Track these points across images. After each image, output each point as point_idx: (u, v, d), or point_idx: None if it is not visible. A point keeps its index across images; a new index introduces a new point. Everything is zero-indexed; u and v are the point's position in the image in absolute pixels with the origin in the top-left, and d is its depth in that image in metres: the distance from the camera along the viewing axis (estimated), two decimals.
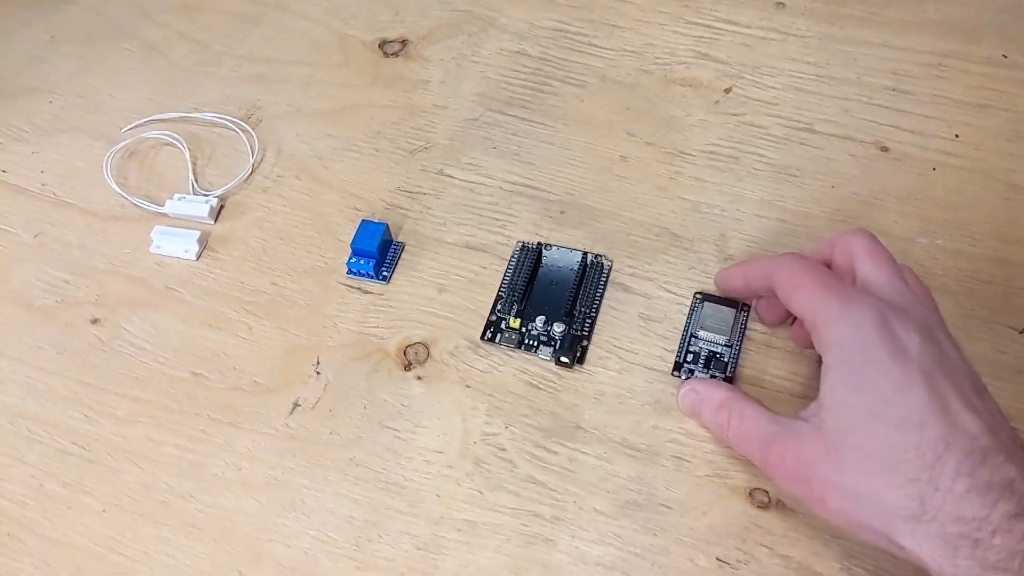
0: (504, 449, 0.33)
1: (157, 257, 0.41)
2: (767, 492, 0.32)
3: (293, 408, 0.36)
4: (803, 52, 0.45)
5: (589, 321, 0.36)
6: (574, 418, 0.34)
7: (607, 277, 0.38)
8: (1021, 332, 0.35)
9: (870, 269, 0.30)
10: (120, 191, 0.43)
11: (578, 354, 0.35)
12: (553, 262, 0.38)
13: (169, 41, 0.51)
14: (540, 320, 0.36)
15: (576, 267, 0.38)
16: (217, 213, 0.42)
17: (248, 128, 0.45)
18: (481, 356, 0.36)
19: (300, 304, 0.39)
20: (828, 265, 0.31)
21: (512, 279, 0.38)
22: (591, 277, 0.37)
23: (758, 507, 0.32)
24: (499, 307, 0.37)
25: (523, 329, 0.36)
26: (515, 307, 0.37)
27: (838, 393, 0.27)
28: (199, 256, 0.41)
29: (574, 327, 0.36)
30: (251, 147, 0.45)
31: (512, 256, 0.39)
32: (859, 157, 0.41)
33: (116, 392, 0.37)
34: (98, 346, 0.38)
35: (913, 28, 0.46)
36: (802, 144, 0.42)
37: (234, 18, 0.52)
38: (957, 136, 0.41)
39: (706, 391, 0.32)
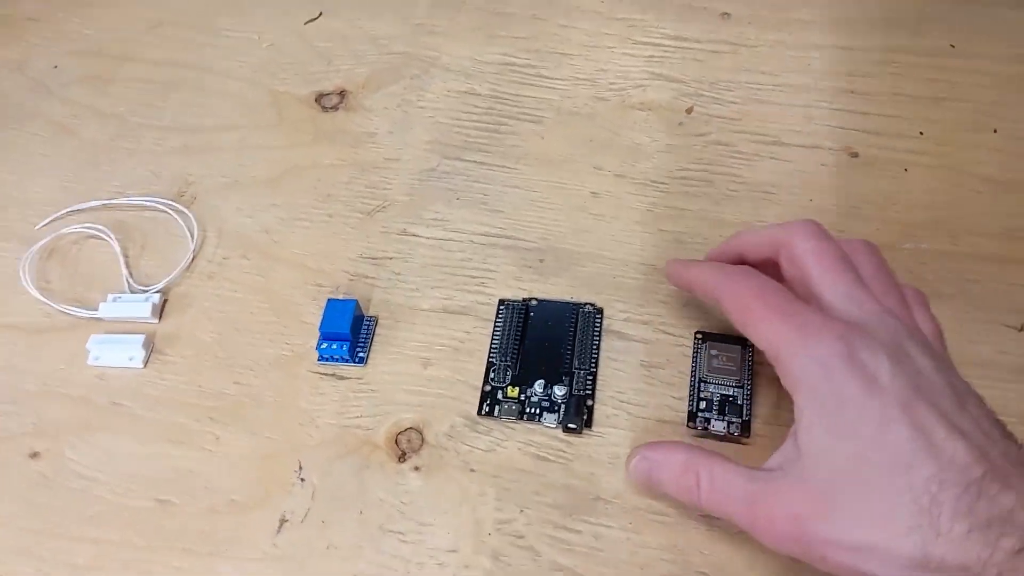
0: (522, 536, 0.31)
1: (97, 370, 0.37)
2: None
3: (280, 525, 0.32)
4: (756, 62, 0.44)
5: (591, 378, 0.34)
6: (592, 489, 0.31)
7: (601, 327, 0.35)
8: (1021, 330, 0.34)
9: (822, 278, 0.27)
10: (43, 298, 0.38)
11: (585, 417, 0.33)
12: (541, 318, 0.35)
13: (79, 118, 0.46)
14: (539, 385, 0.33)
15: (567, 321, 0.35)
16: (160, 310, 0.38)
17: (182, 208, 0.41)
18: (481, 433, 0.33)
19: (269, 402, 0.35)
20: (774, 265, 0.29)
21: (502, 343, 0.35)
22: (585, 330, 0.35)
23: (796, 559, 0.29)
24: (492, 376, 0.34)
25: (522, 397, 0.33)
26: (510, 373, 0.34)
27: (817, 439, 0.25)
28: (146, 362, 0.36)
29: (576, 387, 0.33)
30: (188, 229, 0.41)
31: (498, 317, 0.36)
32: (831, 166, 0.40)
33: (71, 536, 0.32)
34: (42, 483, 0.34)
35: (859, 26, 0.45)
36: (772, 159, 0.40)
37: (149, 85, 0.47)
38: (922, 133, 0.41)
39: (660, 456, 0.29)
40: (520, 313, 0.35)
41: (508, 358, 0.34)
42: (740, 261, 0.31)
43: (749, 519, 0.26)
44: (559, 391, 0.33)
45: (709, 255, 0.33)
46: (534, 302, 0.36)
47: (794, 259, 0.28)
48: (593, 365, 0.34)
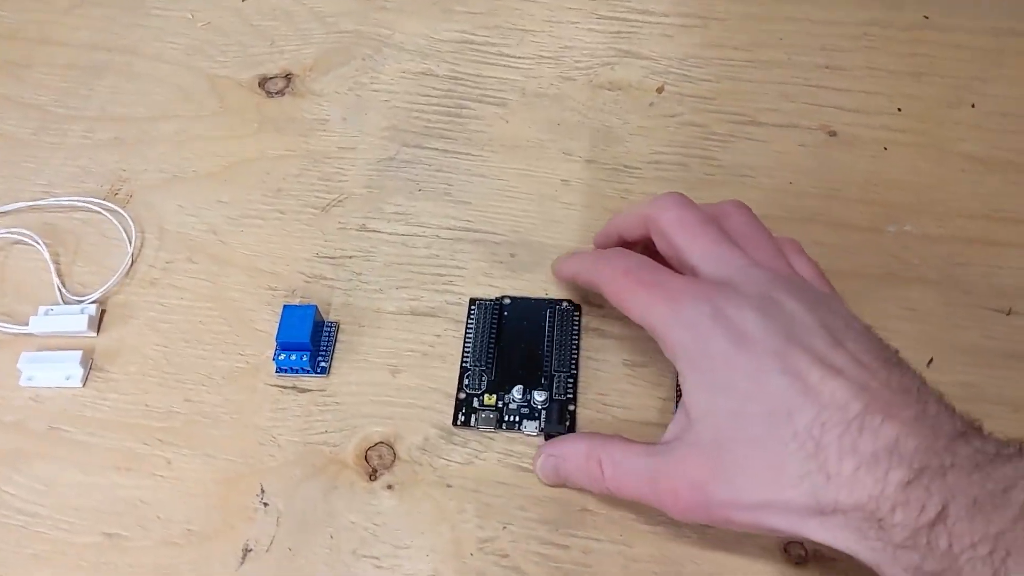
0: (507, 555, 0.29)
1: (31, 391, 0.33)
2: (802, 545, 0.28)
3: (244, 555, 0.29)
4: (727, 36, 0.42)
5: (571, 381, 0.32)
6: (578, 500, 0.30)
7: (580, 325, 0.33)
8: (1008, 314, 0.33)
9: (688, 244, 0.28)
10: None
11: (568, 423, 0.31)
12: (516, 317, 0.33)
13: None
14: (517, 391, 0.31)
15: (543, 319, 0.33)
16: (98, 322, 0.35)
17: (116, 208, 0.38)
18: (457, 445, 0.31)
19: (225, 420, 0.32)
20: (648, 241, 0.30)
21: (475, 346, 0.33)
22: (563, 329, 0.33)
23: (796, 564, 0.28)
24: (467, 383, 0.32)
25: (500, 404, 0.31)
26: (485, 379, 0.32)
27: (700, 402, 0.25)
28: (85, 381, 0.33)
29: (556, 391, 0.31)
30: (125, 231, 0.37)
31: (469, 318, 0.33)
32: (809, 146, 0.38)
33: None
34: None
35: None
36: (748, 139, 0.39)
37: (73, 71, 0.43)
38: (900, 110, 0.39)
39: (564, 449, 0.29)
40: (494, 313, 0.33)
41: (483, 362, 0.32)
42: (621, 244, 0.31)
43: (655, 496, 0.26)
44: (539, 396, 0.31)
45: (594, 242, 0.33)
46: (507, 300, 0.34)
47: (661, 232, 0.29)
48: (573, 367, 0.32)
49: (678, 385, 0.32)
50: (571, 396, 0.31)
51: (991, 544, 0.21)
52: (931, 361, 0.32)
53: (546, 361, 0.32)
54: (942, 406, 0.23)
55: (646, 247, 0.30)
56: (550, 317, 0.33)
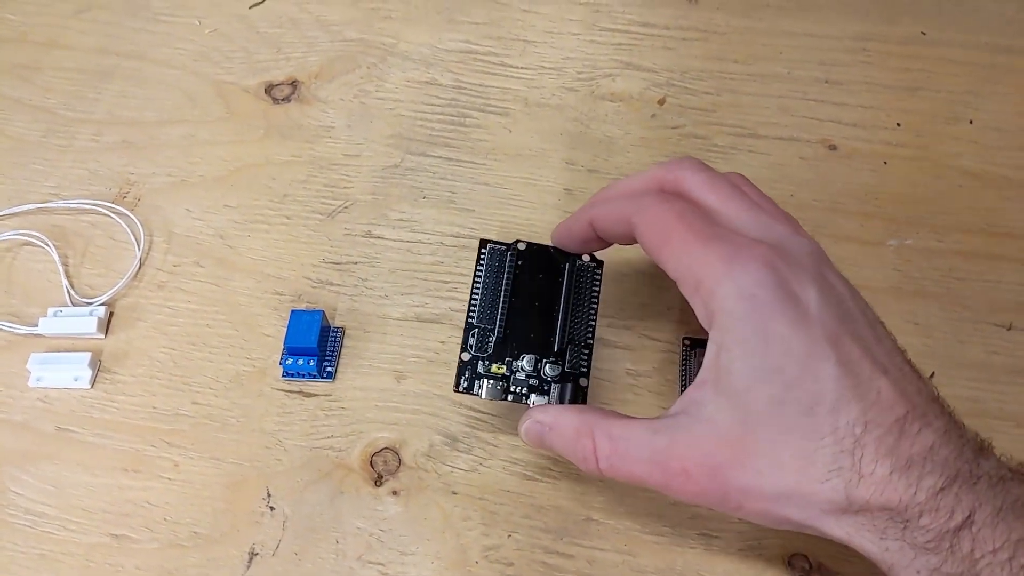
0: (511, 564, 0.29)
1: (40, 392, 0.34)
2: (806, 557, 0.29)
3: (250, 559, 0.30)
4: (727, 50, 0.43)
5: (587, 353, 0.29)
6: (583, 509, 0.30)
7: (600, 284, 0.30)
8: (1010, 328, 0.34)
9: (726, 207, 0.25)
10: None
11: (580, 401, 0.28)
12: (530, 269, 0.30)
13: (4, 112, 0.42)
14: (527, 361, 0.29)
15: (560, 272, 0.30)
16: (107, 325, 0.35)
17: (125, 211, 0.38)
18: (461, 452, 0.32)
19: (232, 423, 0.32)
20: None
21: (483, 299, 0.30)
22: (581, 289, 0.30)
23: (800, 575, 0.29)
24: (472, 343, 0.29)
25: (507, 373, 0.29)
26: (492, 340, 0.29)
27: (736, 379, 0.23)
28: (93, 382, 0.33)
29: (569, 363, 0.29)
30: (133, 234, 0.37)
31: (479, 264, 0.30)
32: (809, 159, 0.39)
33: None
34: None
35: (830, 12, 0.44)
36: (749, 151, 0.39)
37: (81, 75, 0.44)
38: (899, 124, 0.40)
39: (552, 419, 0.26)
40: (510, 261, 0.30)
41: (490, 320, 0.29)
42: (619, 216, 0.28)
43: (662, 479, 0.24)
44: (550, 370, 0.28)
45: (588, 203, 0.30)
46: (522, 246, 0.31)
47: (687, 193, 0.26)
48: (590, 336, 0.29)
49: (682, 362, 0.32)
50: (584, 370, 0.29)
51: (1011, 550, 0.21)
52: (932, 375, 0.32)
53: (561, 326, 0.29)
54: (959, 421, 0.24)
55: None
56: (568, 273, 0.30)
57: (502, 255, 0.31)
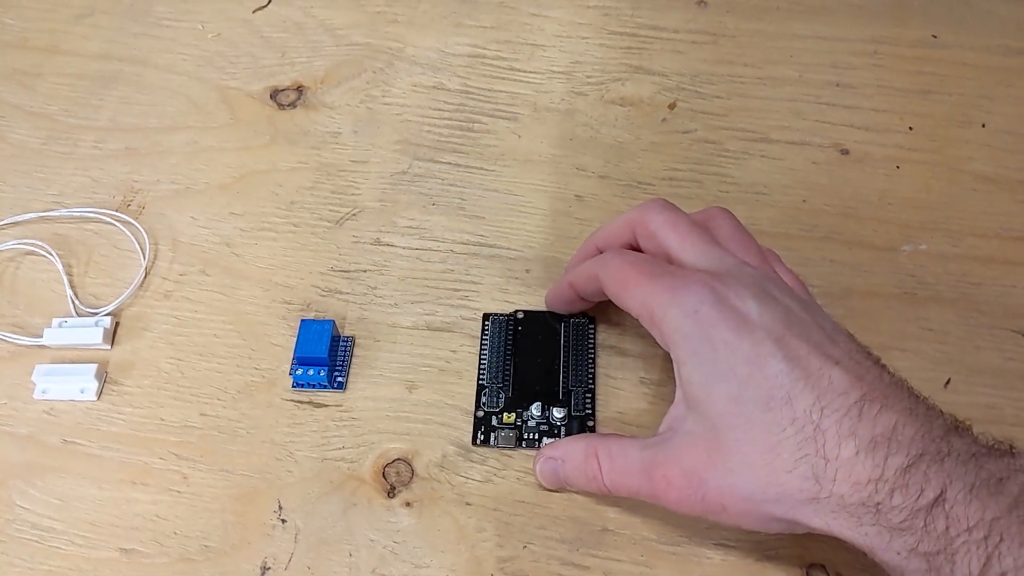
0: None
1: (45, 404, 0.33)
2: (824, 567, 0.28)
3: (262, 573, 0.29)
4: (737, 53, 0.43)
5: (589, 396, 0.32)
6: (598, 520, 0.30)
7: (595, 339, 0.33)
8: None
9: (680, 245, 0.28)
10: None
11: None
12: (531, 332, 0.33)
13: (5, 119, 0.42)
14: (536, 408, 0.31)
15: (558, 332, 0.33)
16: (112, 335, 0.34)
17: (129, 219, 0.38)
18: (475, 462, 0.31)
19: (242, 435, 0.32)
20: (636, 249, 0.30)
21: (491, 363, 0.33)
22: (579, 343, 0.33)
23: None
24: (484, 400, 0.32)
25: (519, 422, 0.31)
26: (503, 396, 0.32)
27: (696, 388, 0.25)
28: (100, 394, 0.33)
29: (575, 407, 0.31)
30: (138, 243, 0.37)
31: (484, 334, 0.33)
32: (822, 164, 0.39)
33: None
34: None
35: (841, 15, 0.44)
36: (762, 156, 0.39)
37: (83, 81, 0.43)
38: (911, 128, 0.40)
39: (563, 451, 0.29)
40: (508, 328, 0.33)
41: (500, 379, 0.32)
42: None
43: (650, 488, 0.26)
44: (558, 413, 0.31)
45: (575, 255, 0.33)
46: (521, 315, 0.34)
47: (650, 235, 0.29)
48: (591, 382, 0.32)
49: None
50: (590, 412, 0.31)
51: (986, 529, 0.21)
52: (948, 382, 0.32)
53: (563, 376, 0.32)
54: (931, 404, 0.24)
55: None
56: (565, 331, 0.33)
57: (504, 323, 0.33)
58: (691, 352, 0.25)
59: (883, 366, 0.25)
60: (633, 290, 0.27)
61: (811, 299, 0.29)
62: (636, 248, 0.30)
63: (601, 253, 0.31)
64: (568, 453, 0.29)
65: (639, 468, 0.26)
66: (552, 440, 0.30)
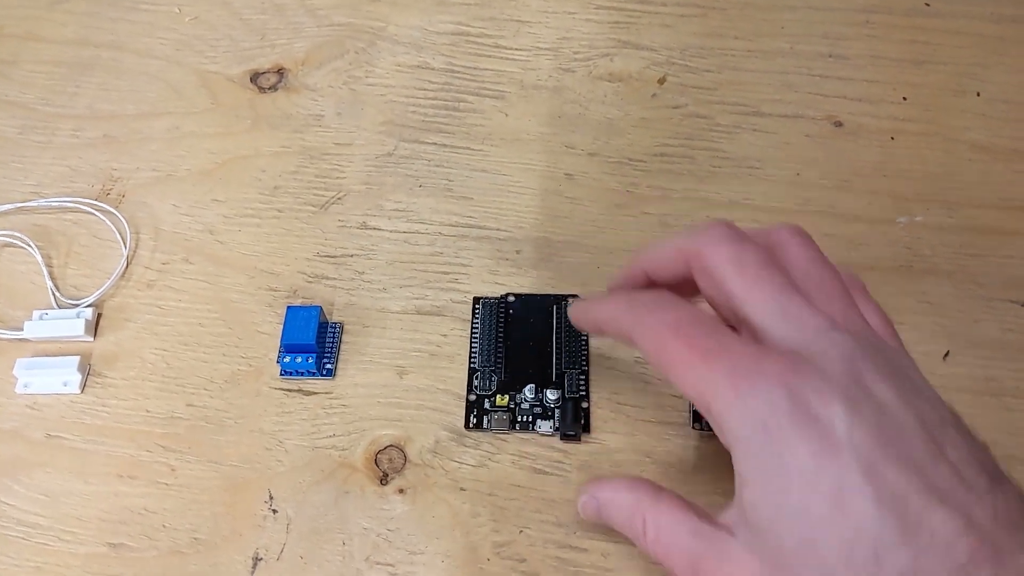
0: (524, 560, 0.28)
1: (28, 398, 0.32)
2: None
3: (255, 564, 0.29)
4: (727, 26, 0.42)
5: (583, 378, 0.31)
6: None
7: None
8: None
9: (746, 293, 0.22)
10: None
11: (582, 421, 0.30)
12: (522, 315, 0.33)
13: None
14: (529, 390, 0.31)
15: (550, 316, 0.33)
16: (95, 327, 0.34)
17: (109, 208, 0.37)
18: (469, 447, 0.31)
19: (230, 425, 0.31)
20: (684, 282, 0.25)
21: (482, 346, 0.32)
22: (571, 325, 0.32)
23: None
24: (476, 384, 0.31)
25: (512, 405, 0.31)
26: (495, 379, 0.31)
27: (762, 513, 0.21)
28: (83, 387, 0.32)
29: (568, 389, 0.31)
30: (119, 232, 0.36)
31: (474, 317, 0.33)
32: (815, 137, 0.38)
33: None
34: None
35: None
36: (754, 130, 0.38)
37: (59, 68, 0.42)
38: (905, 99, 0.39)
39: (608, 495, 0.25)
40: (499, 312, 0.33)
41: (491, 362, 0.31)
42: (649, 284, 0.26)
43: None
44: (551, 395, 0.31)
45: (613, 281, 0.28)
46: (511, 298, 0.33)
47: (709, 273, 0.23)
48: (584, 363, 0.32)
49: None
50: (584, 393, 0.31)
51: None
52: (947, 354, 0.31)
53: (556, 358, 0.32)
54: None
55: (681, 289, 0.25)
56: (557, 312, 0.33)
57: (495, 306, 0.33)
58: (758, 469, 0.21)
59: (995, 479, 0.20)
60: (681, 369, 0.22)
61: (899, 345, 0.24)
62: (690, 283, 0.24)
63: (650, 281, 0.26)
64: (613, 501, 0.25)
65: (686, 557, 0.23)
66: (601, 479, 0.26)
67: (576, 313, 0.28)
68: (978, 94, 0.39)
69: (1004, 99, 0.38)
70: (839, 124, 0.38)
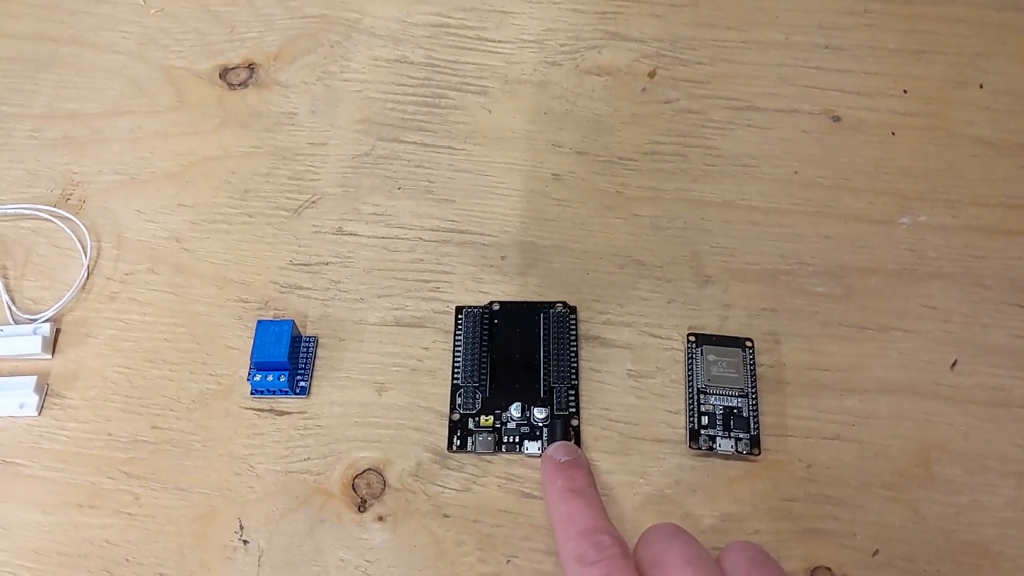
0: None
1: None
2: (830, 570, 0.27)
3: None
4: (719, 16, 0.40)
5: (573, 393, 0.30)
6: None
7: (576, 329, 0.31)
8: None
9: None
10: None
11: (572, 441, 0.29)
12: (507, 325, 0.31)
13: None
14: (516, 408, 0.29)
15: (536, 325, 0.31)
16: (53, 344, 0.32)
17: (68, 215, 0.35)
18: (452, 470, 0.29)
19: (197, 448, 0.30)
20: None
21: (465, 360, 0.30)
22: (560, 335, 0.30)
23: None
24: (460, 402, 0.30)
25: (498, 424, 0.29)
26: (479, 397, 0.30)
27: None
28: (41, 409, 0.30)
29: (557, 405, 0.29)
30: (79, 241, 0.34)
31: (457, 329, 0.31)
32: (813, 132, 0.36)
33: None
34: None
35: None
36: (749, 126, 0.37)
37: (15, 65, 0.40)
38: (906, 92, 0.37)
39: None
40: (483, 322, 0.31)
41: (476, 378, 0.30)
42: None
43: None
44: (539, 413, 0.29)
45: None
46: (496, 306, 0.31)
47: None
48: (574, 377, 0.30)
49: (687, 361, 0.30)
50: (574, 410, 0.29)
51: None
52: (955, 363, 0.30)
53: (544, 372, 0.30)
54: None
55: None
56: (544, 322, 0.31)
57: (478, 316, 0.31)
58: None
59: None
60: None
61: None
62: None
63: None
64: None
65: None
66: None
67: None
68: (981, 86, 0.37)
69: (1008, 91, 0.37)
70: (837, 119, 0.37)
